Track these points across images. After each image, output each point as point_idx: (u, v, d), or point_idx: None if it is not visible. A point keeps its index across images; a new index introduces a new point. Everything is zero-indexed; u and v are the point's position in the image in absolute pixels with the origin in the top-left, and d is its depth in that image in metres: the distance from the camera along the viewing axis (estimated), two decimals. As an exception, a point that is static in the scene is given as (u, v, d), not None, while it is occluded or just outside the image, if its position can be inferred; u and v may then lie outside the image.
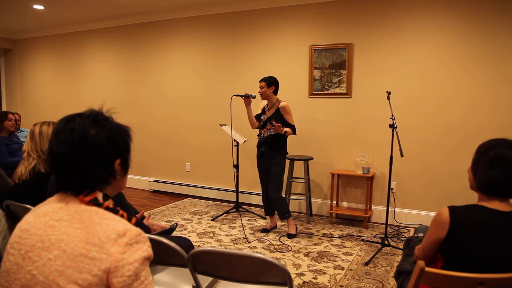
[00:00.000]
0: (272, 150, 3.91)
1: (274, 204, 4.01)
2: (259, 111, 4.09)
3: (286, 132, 3.80)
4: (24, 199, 2.21)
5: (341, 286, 2.92)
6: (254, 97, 4.00)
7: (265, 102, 4.06)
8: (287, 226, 4.08)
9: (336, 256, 3.48)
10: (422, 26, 4.19)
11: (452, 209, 1.48)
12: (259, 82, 3.94)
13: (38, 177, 2.36)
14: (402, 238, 3.96)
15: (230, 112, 4.16)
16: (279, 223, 4.36)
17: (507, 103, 3.91)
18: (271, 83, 3.91)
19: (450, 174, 4.12)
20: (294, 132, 3.90)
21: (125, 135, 1.13)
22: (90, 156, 1.03)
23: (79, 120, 1.05)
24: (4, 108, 7.60)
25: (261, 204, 5.02)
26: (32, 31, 7.14)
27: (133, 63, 6.15)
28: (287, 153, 4.04)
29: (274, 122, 3.80)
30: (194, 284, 1.65)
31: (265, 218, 4.58)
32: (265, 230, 4.14)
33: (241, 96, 4.00)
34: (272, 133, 3.88)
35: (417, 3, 4.19)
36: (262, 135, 3.98)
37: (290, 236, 3.98)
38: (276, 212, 4.14)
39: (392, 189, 4.38)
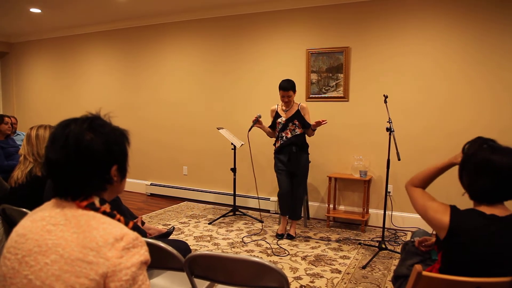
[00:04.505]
0: (301, 150, 3.96)
1: (299, 202, 4.03)
2: (268, 118, 4.13)
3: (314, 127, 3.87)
4: (20, 203, 2.20)
5: (338, 289, 2.92)
6: (260, 116, 4.02)
7: (276, 105, 4.10)
8: (291, 227, 4.10)
9: (333, 260, 3.48)
10: (419, 29, 4.21)
11: (454, 210, 1.48)
12: (284, 91, 3.86)
13: (35, 181, 2.35)
14: (399, 242, 3.97)
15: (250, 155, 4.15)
16: (276, 227, 4.35)
17: (506, 107, 3.93)
18: (295, 89, 3.95)
19: (447, 178, 4.09)
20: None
21: (122, 139, 1.11)
22: (86, 163, 1.02)
23: (75, 126, 1.03)
24: (0, 112, 7.57)
25: (258, 207, 5.03)
26: (29, 34, 7.13)
27: (130, 67, 6.15)
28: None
29: (320, 121, 3.76)
30: (191, 288, 1.64)
31: (262, 222, 4.57)
32: (280, 236, 4.03)
33: (253, 125, 4.00)
34: (298, 133, 3.91)
35: (415, 6, 4.21)
36: (284, 137, 3.96)
37: (291, 237, 4.00)
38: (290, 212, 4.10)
39: (389, 192, 4.38)
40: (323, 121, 3.74)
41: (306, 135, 4.01)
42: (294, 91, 3.94)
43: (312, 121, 3.92)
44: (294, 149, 3.92)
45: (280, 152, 4.00)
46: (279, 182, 4.03)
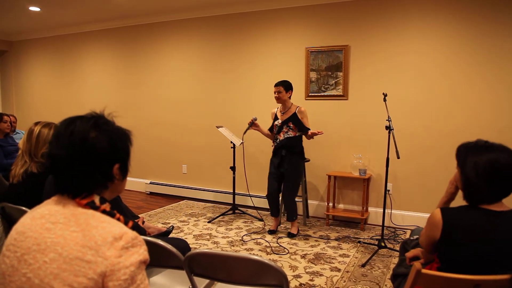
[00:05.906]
0: (293, 154, 3.96)
1: (289, 205, 4.04)
2: (269, 121, 4.15)
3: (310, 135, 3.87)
4: (18, 200, 2.20)
5: (337, 288, 2.93)
6: (256, 119, 4.06)
7: (276, 108, 4.12)
8: (291, 227, 4.12)
9: (332, 258, 3.48)
10: (419, 29, 4.20)
11: (444, 211, 1.48)
12: (276, 86, 3.95)
13: (31, 178, 2.33)
14: (398, 240, 3.97)
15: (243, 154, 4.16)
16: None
17: (506, 107, 3.92)
18: (288, 88, 3.96)
19: (446, 176, 4.13)
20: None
21: (125, 139, 1.12)
22: (89, 159, 1.03)
23: (80, 123, 1.05)
24: (-1, 110, 7.57)
25: (258, 206, 5.03)
26: (28, 32, 7.11)
27: (129, 65, 6.13)
28: (305, 158, 4.14)
29: (316, 132, 3.79)
30: (190, 287, 1.64)
31: (262, 220, 4.58)
32: (272, 232, 4.15)
33: (248, 128, 4.06)
34: (290, 135, 3.93)
35: (414, 5, 4.20)
36: (278, 140, 4.00)
37: (291, 235, 4.03)
38: (282, 213, 4.18)
39: (388, 191, 4.38)
40: (319, 132, 3.78)
41: (304, 137, 4.01)
42: (286, 89, 3.95)
43: (310, 125, 3.99)
44: (284, 152, 3.95)
45: (275, 155, 4.05)
46: (268, 185, 4.12)
